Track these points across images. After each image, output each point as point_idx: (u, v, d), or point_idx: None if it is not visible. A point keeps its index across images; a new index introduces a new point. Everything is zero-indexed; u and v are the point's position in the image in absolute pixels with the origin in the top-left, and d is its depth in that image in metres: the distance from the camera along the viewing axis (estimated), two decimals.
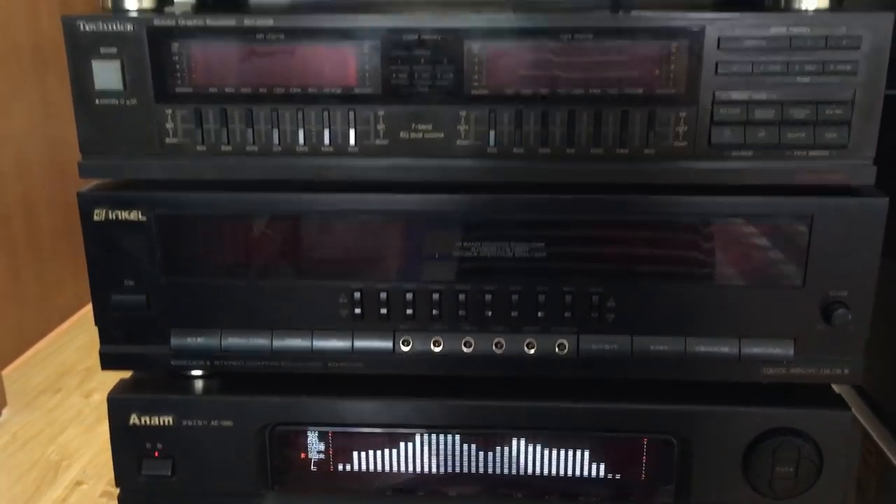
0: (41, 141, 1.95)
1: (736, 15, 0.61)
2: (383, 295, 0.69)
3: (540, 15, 0.63)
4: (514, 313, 0.69)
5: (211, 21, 0.64)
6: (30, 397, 1.72)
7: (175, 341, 0.72)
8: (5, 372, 1.79)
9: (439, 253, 0.68)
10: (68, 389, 1.76)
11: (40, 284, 2.03)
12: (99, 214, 0.68)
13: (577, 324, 0.68)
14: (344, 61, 0.64)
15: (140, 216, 0.68)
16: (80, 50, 0.65)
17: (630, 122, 0.64)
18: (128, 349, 0.72)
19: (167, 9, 0.68)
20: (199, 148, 0.67)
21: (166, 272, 0.70)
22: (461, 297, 0.69)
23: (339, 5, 0.72)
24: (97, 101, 0.66)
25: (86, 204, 0.68)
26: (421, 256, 0.69)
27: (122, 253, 0.69)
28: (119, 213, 0.68)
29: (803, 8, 0.64)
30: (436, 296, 0.69)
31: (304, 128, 0.66)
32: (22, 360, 1.91)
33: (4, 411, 1.68)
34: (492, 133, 0.65)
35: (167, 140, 0.67)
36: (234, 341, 0.71)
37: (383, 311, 0.70)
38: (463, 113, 0.65)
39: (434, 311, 0.69)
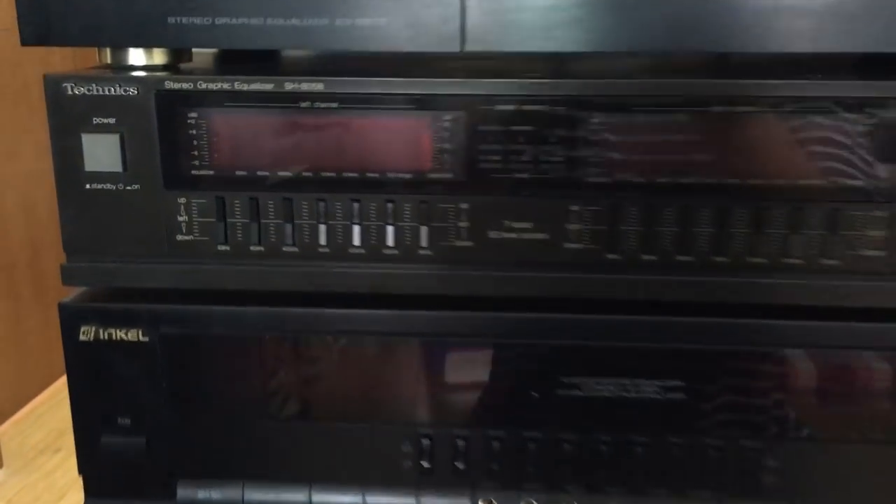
0: (48, 183, 1.82)
1: None
2: (461, 443, 0.52)
3: (684, 81, 0.46)
4: (639, 471, 0.51)
5: (241, 85, 0.48)
6: (28, 458, 1.56)
7: (183, 495, 0.55)
8: (2, 429, 1.66)
9: (538, 391, 0.51)
10: (69, 449, 1.60)
11: (44, 333, 1.89)
12: (87, 333, 0.52)
13: (723, 487, 0.51)
14: (416, 138, 0.48)
15: (141, 336, 0.52)
16: (68, 119, 0.49)
17: (805, 223, 0.47)
18: None
19: (183, 65, 0.53)
20: (221, 248, 0.50)
21: (174, 407, 0.53)
22: (565, 447, 0.51)
23: (405, 64, 0.56)
24: (88, 186, 0.50)
25: (70, 319, 0.52)
26: (512, 395, 0.51)
27: (117, 382, 0.53)
28: (114, 331, 0.52)
29: None
30: (531, 445, 0.52)
31: (360, 224, 0.49)
32: (21, 414, 1.77)
33: (0, 473, 1.53)
34: (613, 234, 0.48)
35: (179, 237, 0.50)
36: (260, 497, 0.54)
37: (460, 464, 0.52)
38: (575, 207, 0.48)
39: (528, 468, 0.52)
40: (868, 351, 0.49)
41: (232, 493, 0.55)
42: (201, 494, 0.55)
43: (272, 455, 0.54)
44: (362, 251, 0.50)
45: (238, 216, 0.50)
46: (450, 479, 0.53)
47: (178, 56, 0.52)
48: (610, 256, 0.49)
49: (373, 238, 0.50)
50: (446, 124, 0.48)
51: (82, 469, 0.55)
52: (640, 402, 0.50)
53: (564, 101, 0.47)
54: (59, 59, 1.78)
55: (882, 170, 0.46)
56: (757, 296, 0.48)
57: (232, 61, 0.60)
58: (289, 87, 0.48)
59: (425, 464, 0.53)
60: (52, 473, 1.53)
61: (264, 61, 0.59)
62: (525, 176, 0.48)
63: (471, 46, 0.47)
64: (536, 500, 0.52)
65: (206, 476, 0.55)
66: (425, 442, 0.52)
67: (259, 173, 0.49)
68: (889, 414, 0.50)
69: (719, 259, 0.48)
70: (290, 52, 0.66)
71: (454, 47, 0.47)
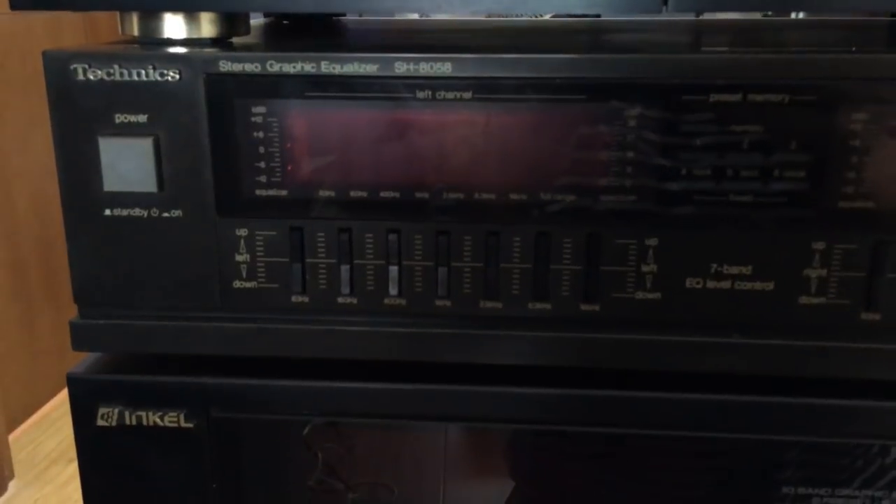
0: None
1: None
2: None
3: None
4: None
5: (331, 66, 0.32)
6: (39, 468, 1.50)
7: None
8: (14, 436, 1.61)
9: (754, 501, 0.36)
10: None
11: (56, 335, 1.82)
12: (108, 416, 0.37)
13: None
14: (584, 143, 0.33)
15: (184, 421, 0.37)
16: (78, 117, 0.34)
17: None
18: None
19: (237, 40, 0.37)
20: (297, 299, 0.35)
21: None
22: None
23: (544, 31, 0.40)
24: (108, 213, 0.35)
25: (84, 396, 0.37)
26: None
27: (150, 483, 0.38)
28: (145, 414, 0.37)
29: None
30: None
31: (497, 266, 0.34)
32: (33, 420, 1.72)
33: (11, 485, 1.49)
34: (876, 284, 0.33)
35: (237, 284, 0.35)
36: None
37: None
38: (820, 245, 0.33)
39: None
40: None
41: None
42: None
43: None
44: (498, 305, 0.35)
45: (321, 255, 0.35)
46: None
47: (233, 27, 0.37)
48: (867, 316, 0.33)
49: (514, 287, 0.34)
50: (632, 121, 0.32)
51: None
52: None
53: (818, 86, 0.31)
54: (71, 35, 1.67)
55: None
56: None
57: (278, 36, 0.44)
58: (401, 68, 0.32)
59: None
60: (65, 486, 1.44)
61: (324, 37, 0.44)
62: (747, 199, 0.32)
63: (676, 6, 0.32)
64: None
65: None
66: None
67: (353, 194, 0.34)
68: None
69: None
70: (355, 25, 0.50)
71: (654, 8, 0.32)
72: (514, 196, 0.34)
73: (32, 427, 1.69)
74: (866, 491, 0.35)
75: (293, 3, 0.33)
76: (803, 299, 0.33)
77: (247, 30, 0.38)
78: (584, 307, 0.34)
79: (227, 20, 0.36)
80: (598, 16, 0.41)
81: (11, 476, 1.49)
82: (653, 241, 0.33)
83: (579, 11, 0.32)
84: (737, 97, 0.32)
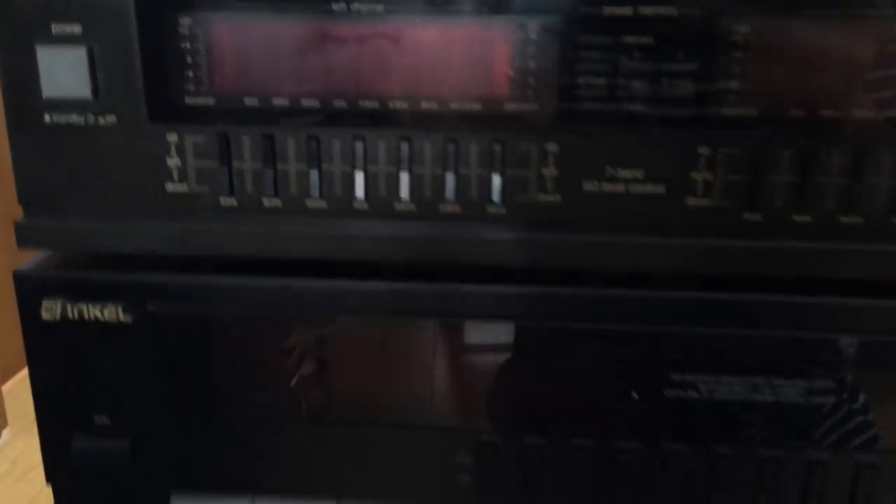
0: None
1: None
2: (531, 455, 0.40)
3: None
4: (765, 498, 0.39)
5: None
6: (33, 417, 1.50)
7: None
8: (6, 387, 1.66)
9: (639, 391, 0.39)
10: None
11: None
12: (51, 310, 0.40)
13: None
14: (488, 55, 0.35)
15: (122, 315, 0.40)
16: (17, 26, 0.36)
17: None
18: None
19: None
20: (225, 201, 0.38)
21: (165, 403, 0.41)
22: (675, 462, 0.40)
23: None
24: (47, 119, 0.37)
25: (29, 292, 0.40)
26: (606, 396, 0.40)
27: (92, 372, 0.41)
28: (86, 308, 0.40)
29: None
30: (624, 457, 0.40)
31: (410, 171, 0.37)
32: (26, 371, 1.74)
33: (4, 432, 1.55)
34: (757, 186, 0.36)
35: (169, 187, 0.38)
36: None
37: (526, 481, 0.41)
38: (704, 150, 0.35)
39: (622, 488, 0.40)
40: None
41: None
42: None
43: (289, 463, 0.42)
44: (412, 207, 0.37)
45: (248, 159, 0.37)
46: (513, 498, 0.41)
47: None
48: (747, 216, 0.36)
49: (427, 190, 0.37)
50: (532, 35, 0.35)
51: (51, 477, 0.44)
52: (777, 407, 0.38)
53: (695, 3, 0.34)
54: None
55: None
56: None
57: None
58: None
59: (477, 479, 0.41)
60: None
61: None
62: (638, 108, 0.35)
63: None
64: None
65: (206, 487, 0.43)
66: (479, 451, 0.40)
67: (276, 102, 0.36)
68: None
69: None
70: None
71: None
72: (424, 105, 0.36)
73: (26, 377, 1.77)
74: (747, 377, 0.38)
75: None
76: (691, 200, 0.36)
77: None
78: (492, 210, 0.37)
79: None
80: None
81: (4, 424, 1.53)
82: (553, 147, 0.36)
83: None
84: (628, 10, 0.34)
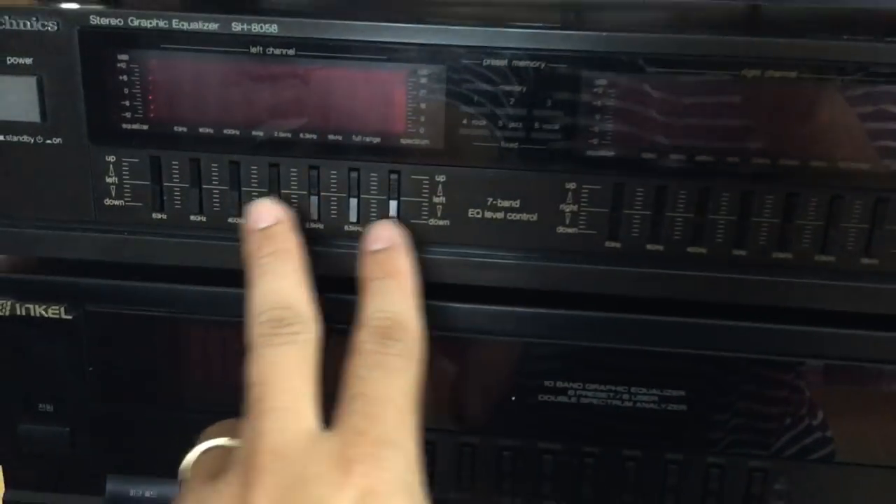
0: None
1: None
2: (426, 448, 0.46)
3: (714, 38, 0.38)
4: (630, 491, 0.45)
5: (181, 23, 0.40)
6: None
7: (112, 490, 0.48)
8: None
9: (517, 395, 0.44)
10: None
11: None
12: (2, 307, 0.45)
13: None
14: (386, 96, 0.40)
15: (64, 313, 0.45)
16: None
17: (845, 214, 0.40)
18: (43, 499, 0.49)
19: None
20: (156, 216, 0.43)
21: (101, 393, 0.46)
22: (546, 459, 0.45)
23: (381, 7, 0.48)
24: (1, 138, 0.42)
25: None
26: (488, 398, 0.45)
27: (37, 364, 0.46)
28: (33, 306, 0.45)
29: None
30: (507, 454, 0.45)
31: (318, 195, 0.42)
32: None
33: None
34: (615, 219, 0.41)
35: (107, 202, 0.43)
36: None
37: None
38: (572, 185, 0.41)
39: (503, 480, 0.46)
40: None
41: (167, 489, 0.48)
42: (133, 491, 0.48)
43: None
44: (320, 227, 0.43)
45: (176, 180, 0.43)
46: None
47: None
48: (608, 244, 0.41)
49: (333, 212, 0.42)
50: (423, 80, 0.40)
51: (1, 458, 0.49)
52: (635, 412, 0.44)
53: (563, 56, 0.39)
54: None
55: None
56: (781, 297, 0.41)
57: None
58: (237, 27, 0.40)
59: None
60: None
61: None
62: (514, 146, 0.40)
63: None
64: None
65: (138, 471, 0.48)
66: None
67: (202, 130, 0.42)
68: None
69: (737, 252, 0.41)
70: None
71: None
72: (331, 138, 0.41)
73: None
74: (609, 385, 0.43)
75: None
76: (560, 229, 0.41)
77: None
78: None
79: None
80: None
81: None
82: (441, 178, 0.41)
83: None
84: (503, 62, 0.39)
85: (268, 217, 0.40)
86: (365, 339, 0.37)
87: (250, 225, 0.40)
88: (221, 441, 0.39)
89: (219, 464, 0.36)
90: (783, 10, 0.51)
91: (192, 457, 0.39)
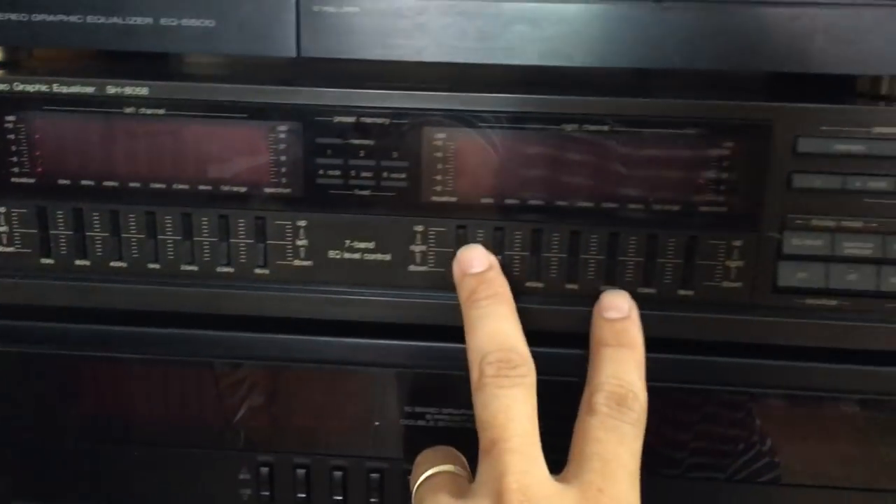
0: None
1: (823, 107, 0.42)
2: (300, 472, 0.49)
3: (533, 97, 0.43)
4: None
5: (61, 87, 0.44)
6: None
7: None
8: None
9: (380, 419, 0.48)
10: None
11: None
12: None
13: None
14: (252, 149, 0.45)
15: None
16: None
17: (659, 251, 0.44)
18: None
19: (33, 61, 0.49)
20: (44, 261, 0.47)
21: (6, 426, 0.50)
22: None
23: (253, 70, 0.52)
24: None
25: None
26: (354, 422, 0.48)
27: None
28: None
29: None
30: (374, 476, 0.49)
31: (191, 240, 0.46)
32: None
33: None
34: None
35: (0, 248, 0.47)
36: None
37: (301, 493, 0.49)
38: (419, 228, 0.45)
39: (373, 499, 0.49)
40: (726, 391, 0.46)
41: None
42: None
43: (107, 481, 0.50)
44: (195, 269, 0.46)
45: (61, 228, 0.46)
46: None
47: (14, 53, 0.49)
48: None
49: (205, 255, 0.46)
50: (282, 135, 0.44)
51: None
52: None
53: (406, 114, 0.43)
54: None
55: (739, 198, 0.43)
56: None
57: (122, 61, 0.55)
58: (111, 90, 0.44)
59: (265, 493, 0.50)
60: None
61: (156, 64, 0.55)
62: (366, 193, 0.45)
63: (307, 52, 0.44)
64: None
65: (43, 500, 0.51)
66: (264, 470, 0.49)
67: (84, 183, 0.46)
68: (739, 451, 0.47)
69: (569, 286, 0.45)
70: (196, 58, 0.60)
71: (290, 52, 0.44)
72: (202, 187, 0.45)
73: None
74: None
75: (31, 40, 0.45)
76: (412, 267, 0.46)
77: (30, 55, 0.50)
78: (258, 271, 0.46)
79: (8, 49, 0.48)
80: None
81: None
82: (302, 223, 0.45)
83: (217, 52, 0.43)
84: (352, 119, 0.44)
85: (481, 262, 0.43)
86: (601, 402, 0.40)
87: (463, 269, 0.43)
88: (449, 468, 0.42)
89: (454, 489, 0.40)
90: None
91: (423, 476, 0.42)
